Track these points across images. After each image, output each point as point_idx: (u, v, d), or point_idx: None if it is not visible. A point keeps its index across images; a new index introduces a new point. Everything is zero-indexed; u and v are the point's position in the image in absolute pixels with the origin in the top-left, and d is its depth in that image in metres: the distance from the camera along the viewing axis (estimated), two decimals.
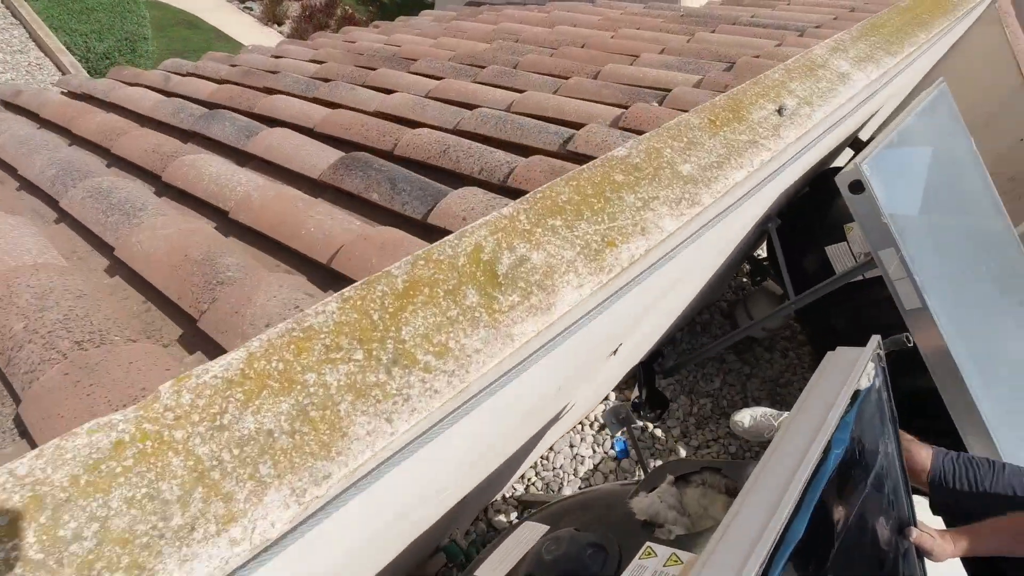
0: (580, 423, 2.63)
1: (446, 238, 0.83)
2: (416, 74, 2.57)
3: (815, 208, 2.42)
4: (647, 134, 1.16)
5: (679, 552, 0.98)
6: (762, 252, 3.49)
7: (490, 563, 1.20)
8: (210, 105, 2.33)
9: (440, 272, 0.78)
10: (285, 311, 0.94)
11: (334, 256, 1.19)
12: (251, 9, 13.01)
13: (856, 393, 1.12)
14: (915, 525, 1.31)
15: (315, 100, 2.31)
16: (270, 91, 2.45)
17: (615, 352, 1.68)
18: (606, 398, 2.74)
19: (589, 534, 1.11)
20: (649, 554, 1.00)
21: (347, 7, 13.29)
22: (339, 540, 0.72)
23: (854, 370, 1.12)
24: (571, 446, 2.50)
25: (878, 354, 1.19)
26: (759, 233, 2.57)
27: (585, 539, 1.09)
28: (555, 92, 2.16)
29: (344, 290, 0.72)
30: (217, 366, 0.61)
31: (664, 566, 0.96)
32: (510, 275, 0.81)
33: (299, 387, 0.62)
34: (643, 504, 1.15)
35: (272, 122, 2.09)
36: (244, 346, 0.63)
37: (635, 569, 0.99)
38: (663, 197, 1.02)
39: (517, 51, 2.81)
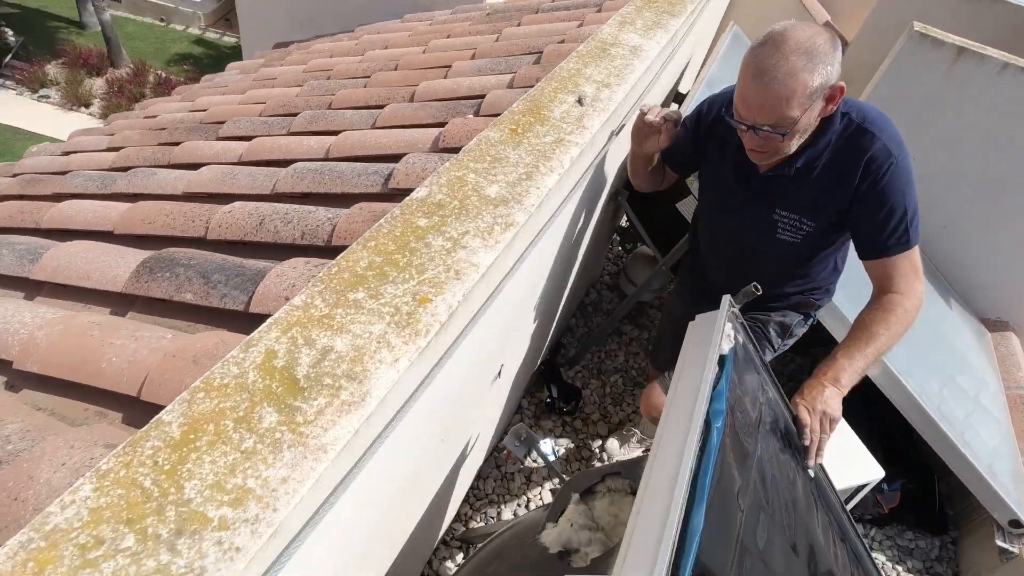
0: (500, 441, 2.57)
1: (230, 354, 0.72)
2: (225, 139, 2.38)
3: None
4: (448, 163, 1.10)
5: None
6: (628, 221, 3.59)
7: None
8: None
9: (225, 399, 0.67)
10: (77, 480, 0.79)
11: (141, 387, 1.04)
12: (48, 97, 11.80)
13: (721, 359, 1.13)
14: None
15: (113, 196, 2.06)
16: (59, 197, 2.16)
17: (499, 375, 1.62)
18: (519, 409, 2.70)
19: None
20: None
21: (160, 71, 12.41)
22: None
23: (712, 339, 1.13)
24: (497, 467, 2.44)
25: (733, 312, 1.21)
26: (614, 208, 2.62)
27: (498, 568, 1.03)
28: (373, 126, 2.06)
29: (100, 463, 0.60)
30: None
31: None
32: (312, 375, 0.72)
33: None
34: (552, 536, 1.10)
35: (65, 234, 1.83)
36: None
37: None
38: (473, 230, 0.97)
39: (329, 88, 2.68)
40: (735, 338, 1.18)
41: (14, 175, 2.67)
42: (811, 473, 1.35)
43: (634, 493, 1.19)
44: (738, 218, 1.62)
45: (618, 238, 3.65)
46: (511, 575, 1.09)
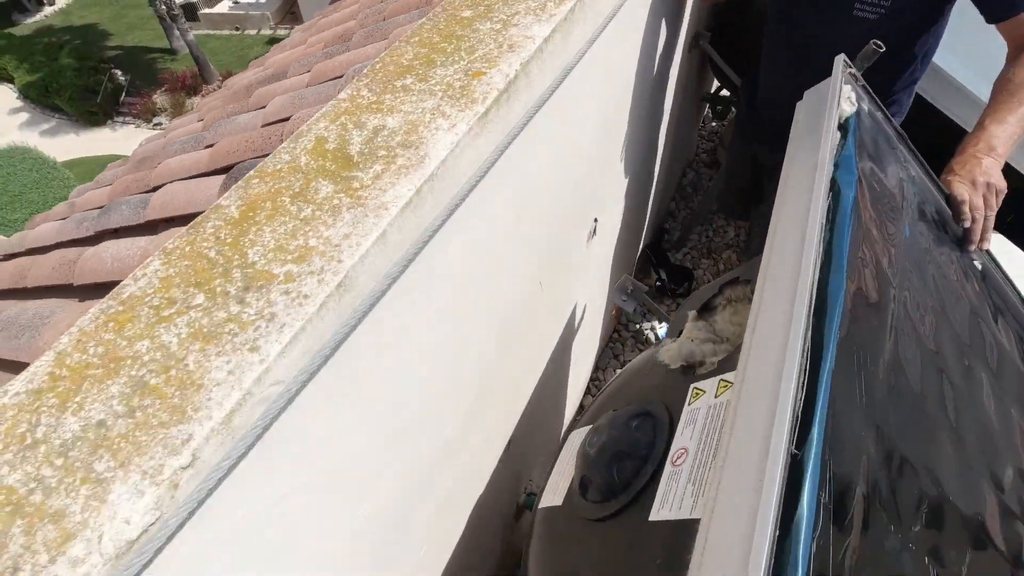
0: (616, 332, 2.47)
1: (280, 146, 0.69)
2: (293, 76, 2.42)
3: (735, 6, 2.19)
4: None
5: (726, 376, 0.82)
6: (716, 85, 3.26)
7: (550, 487, 1.06)
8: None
9: (280, 181, 0.63)
10: None
11: None
12: (161, 124, 12.96)
13: (844, 124, 0.94)
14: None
15: (203, 148, 2.17)
16: (157, 165, 2.32)
17: (594, 233, 1.51)
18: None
19: (629, 408, 0.96)
20: (698, 395, 0.85)
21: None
22: (252, 507, 0.59)
23: (829, 100, 0.94)
24: (615, 356, 2.35)
25: (850, 75, 1.00)
26: (699, 61, 2.36)
27: (625, 414, 0.94)
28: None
29: (165, 244, 0.58)
30: (19, 382, 0.48)
31: (716, 397, 0.81)
32: (366, 150, 0.66)
33: (129, 361, 0.48)
34: (672, 351, 0.99)
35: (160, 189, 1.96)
36: (51, 348, 0.50)
37: (689, 416, 0.84)
38: (523, 10, 0.85)
39: (381, 8, 2.62)
40: (858, 103, 0.97)
41: (125, 164, 2.91)
42: (978, 264, 1.13)
43: None
44: (801, 19, 1.38)
45: (710, 113, 3.33)
46: (632, 400, 1.00)
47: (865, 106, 1.01)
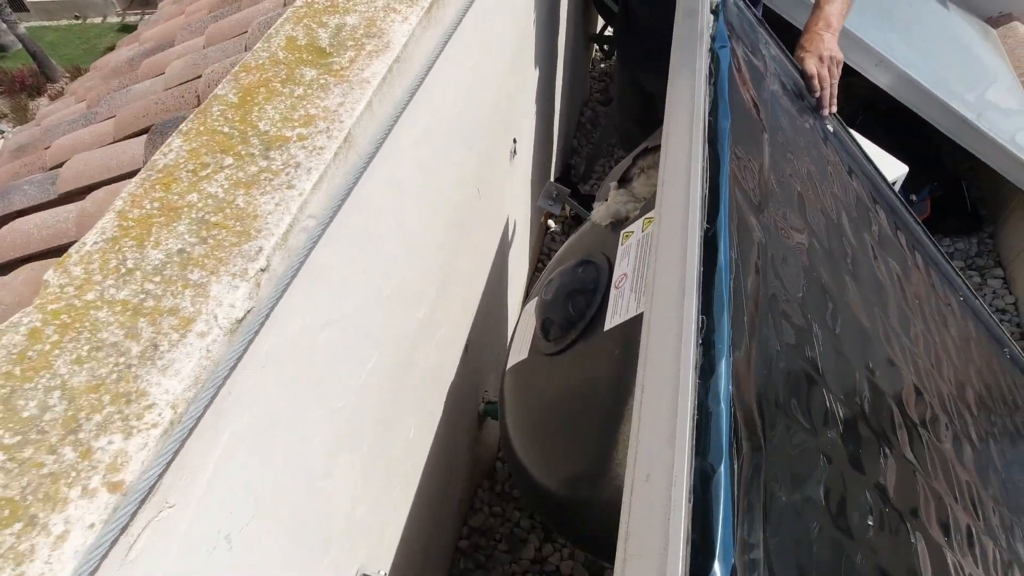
0: (540, 260, 2.67)
1: (255, 47, 0.77)
2: (182, 43, 2.35)
3: None
4: None
5: (648, 215, 1.01)
6: (601, 25, 3.48)
7: (514, 351, 1.23)
8: None
9: (266, 72, 0.73)
10: None
11: None
12: (2, 132, 11.54)
13: (715, 10, 1.13)
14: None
15: (100, 121, 2.09)
16: (50, 146, 2.19)
17: (515, 153, 1.67)
18: (547, 228, 2.78)
19: (573, 260, 1.14)
20: (628, 236, 1.03)
21: None
22: (326, 316, 0.71)
23: None
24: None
25: None
26: (583, 1, 2.54)
27: (571, 265, 1.13)
28: None
29: (180, 126, 0.67)
30: (91, 236, 0.56)
31: (643, 231, 1.00)
32: (335, 42, 0.76)
33: (186, 208, 0.58)
34: (602, 211, 1.18)
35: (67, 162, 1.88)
36: (108, 211, 0.58)
37: (622, 252, 1.03)
38: None
39: None
40: None
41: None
42: (830, 127, 1.39)
43: None
44: None
45: (599, 54, 3.56)
46: (575, 267, 1.17)
47: None
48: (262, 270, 0.54)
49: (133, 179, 0.60)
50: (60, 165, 1.96)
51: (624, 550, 0.46)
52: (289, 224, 0.57)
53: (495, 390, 2.06)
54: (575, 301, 1.03)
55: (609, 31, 3.19)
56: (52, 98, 11.68)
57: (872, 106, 2.79)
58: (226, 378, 0.49)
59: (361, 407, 0.85)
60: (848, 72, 2.27)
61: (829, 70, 1.31)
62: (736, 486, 0.53)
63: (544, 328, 1.09)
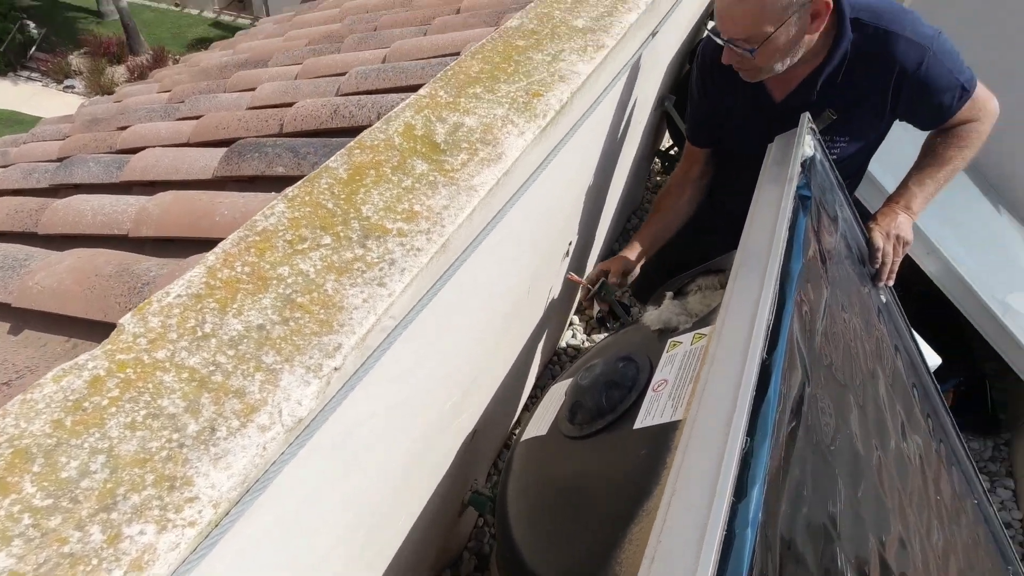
0: (555, 355, 2.64)
1: (373, 126, 0.79)
2: (277, 66, 2.45)
3: None
4: (531, 4, 1.14)
5: (701, 330, 1.01)
6: (667, 143, 3.60)
7: (533, 423, 1.20)
8: (62, 160, 2.12)
9: (379, 154, 0.74)
10: None
11: None
12: (73, 87, 12.02)
13: (804, 163, 1.16)
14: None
15: (179, 120, 2.15)
16: (124, 128, 2.25)
17: (567, 254, 1.68)
18: (570, 323, 2.77)
19: (616, 353, 1.13)
20: (675, 345, 1.03)
21: (179, 56, 12.52)
22: (374, 407, 0.68)
23: (796, 142, 1.17)
24: (553, 377, 2.51)
25: (811, 128, 1.23)
26: (659, 117, 2.64)
27: (613, 357, 1.12)
28: (424, 35, 2.11)
29: (285, 191, 0.67)
30: (177, 286, 0.55)
31: (692, 345, 0.99)
32: (450, 140, 0.78)
33: (275, 281, 0.57)
34: (653, 316, 1.18)
35: (138, 152, 1.92)
36: (200, 263, 0.57)
37: (666, 360, 1.02)
38: (568, 48, 1.01)
39: (371, 19, 2.72)
40: (815, 150, 1.21)
41: (71, 123, 2.77)
42: (883, 298, 1.40)
43: (724, 287, 1.25)
44: (765, 147, 1.46)
45: (658, 165, 3.66)
46: (618, 360, 1.15)
47: (819, 155, 1.25)
48: (336, 369, 0.52)
49: (230, 237, 0.60)
50: (130, 151, 2.00)
51: None
52: (372, 325, 0.56)
53: (483, 480, 1.99)
54: (610, 393, 1.02)
55: (675, 150, 3.30)
56: (131, 70, 12.22)
57: (911, 288, 2.82)
58: (273, 479, 0.47)
59: (372, 498, 0.81)
60: None
61: (895, 248, 1.33)
62: None
63: (572, 410, 1.08)
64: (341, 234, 0.63)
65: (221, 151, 1.59)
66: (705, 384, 0.73)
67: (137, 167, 1.66)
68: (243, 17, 13.59)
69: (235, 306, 0.54)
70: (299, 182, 0.68)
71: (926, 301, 2.70)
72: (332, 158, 0.72)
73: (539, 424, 1.19)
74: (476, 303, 0.91)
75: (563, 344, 2.67)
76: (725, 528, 0.55)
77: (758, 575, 0.57)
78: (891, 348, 1.41)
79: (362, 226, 0.64)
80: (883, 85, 1.29)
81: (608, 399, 1.04)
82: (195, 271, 0.56)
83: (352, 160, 0.72)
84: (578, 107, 0.99)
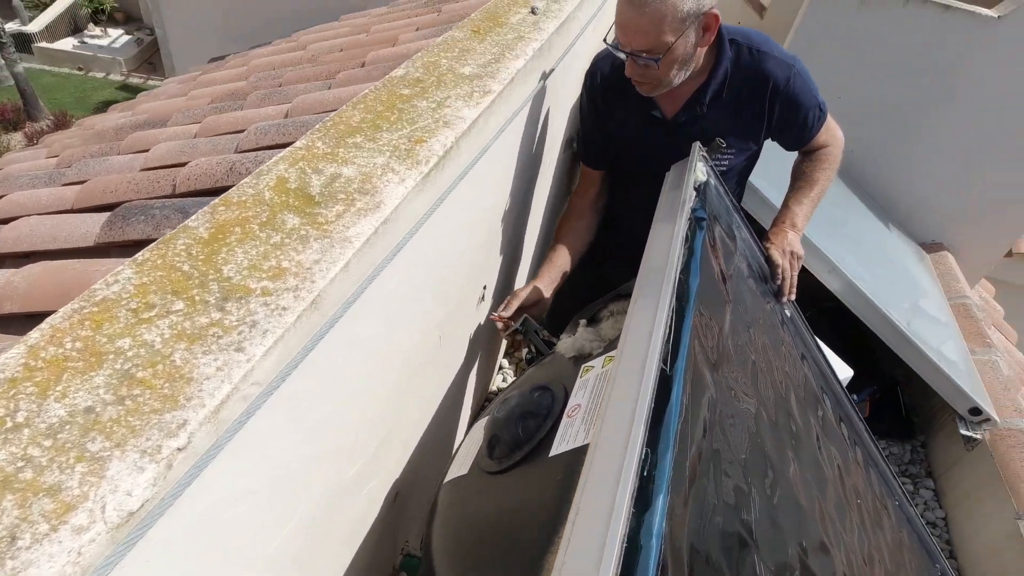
0: (488, 400, 2.58)
1: (242, 181, 0.75)
2: (176, 126, 2.35)
3: None
4: (418, 53, 1.15)
5: (611, 352, 1.00)
6: None
7: (455, 465, 1.16)
8: None
9: (247, 210, 0.70)
10: None
11: None
12: None
13: (698, 187, 1.21)
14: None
15: (64, 185, 2.01)
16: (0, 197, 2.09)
17: (482, 299, 1.66)
18: (500, 367, 2.73)
19: (531, 384, 1.12)
20: (587, 370, 1.02)
21: (83, 120, 11.94)
22: (247, 486, 0.61)
23: (689, 167, 1.21)
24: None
25: (703, 156, 1.28)
26: (571, 156, 2.71)
27: (528, 388, 1.11)
28: (329, 88, 2.09)
29: (135, 256, 0.61)
30: None
31: (603, 368, 0.98)
32: (326, 192, 0.75)
33: (112, 356, 0.51)
34: (568, 344, 1.18)
35: (11, 222, 1.78)
36: (20, 341, 0.50)
37: (580, 384, 1.01)
38: (454, 96, 1.02)
39: (276, 74, 2.69)
40: (708, 176, 1.26)
41: None
42: (787, 312, 1.45)
43: None
44: (659, 162, 1.51)
45: None
46: (532, 391, 1.13)
47: (712, 181, 1.30)
48: (179, 449, 0.46)
49: (61, 310, 0.54)
50: (6, 220, 1.84)
51: None
52: (227, 395, 0.50)
53: (417, 540, 1.88)
54: (526, 423, 1.00)
55: None
56: (28, 136, 11.56)
57: (821, 303, 2.98)
58: None
59: None
60: (804, 272, 2.43)
61: (791, 263, 1.41)
62: None
63: (491, 445, 1.05)
64: (197, 298, 0.58)
65: (105, 215, 1.49)
66: (607, 401, 0.72)
67: (9, 237, 1.53)
68: (154, 79, 13.22)
69: (59, 388, 0.48)
70: (151, 244, 0.63)
71: (835, 317, 2.85)
72: (192, 217, 0.67)
73: (461, 464, 1.16)
74: (368, 360, 0.86)
75: (493, 388, 2.62)
76: (625, 540, 0.55)
77: None
78: (799, 359, 1.47)
79: (222, 288, 0.59)
80: (759, 100, 1.43)
81: (524, 429, 1.03)
82: (11, 352, 0.49)
83: (216, 218, 0.67)
84: (467, 152, 0.98)
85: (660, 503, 0.62)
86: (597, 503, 0.58)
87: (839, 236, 2.77)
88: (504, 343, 2.67)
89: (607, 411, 0.71)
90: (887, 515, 1.60)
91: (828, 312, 2.97)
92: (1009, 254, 3.97)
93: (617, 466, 0.61)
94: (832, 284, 2.52)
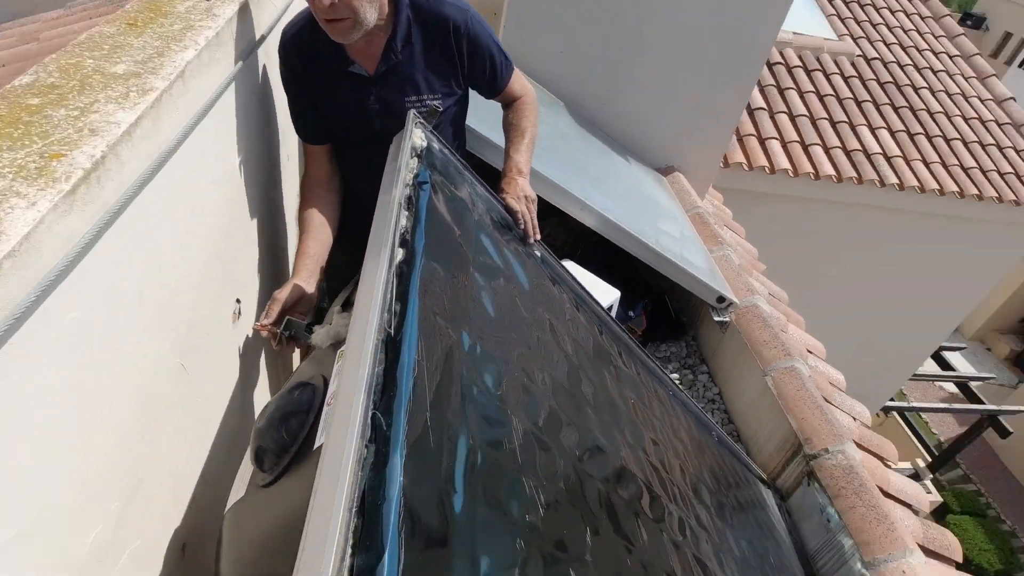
0: None
1: None
2: None
3: None
4: (53, 55, 0.98)
5: None
6: None
7: (233, 493, 1.09)
8: None
9: None
10: None
11: None
12: None
13: (420, 153, 1.23)
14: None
15: None
16: None
17: (239, 314, 1.53)
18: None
19: (289, 384, 1.08)
20: (343, 354, 1.00)
21: None
22: None
23: (406, 136, 1.22)
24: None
25: (419, 122, 1.29)
26: None
27: (286, 389, 1.08)
28: None
29: None
30: None
31: None
32: None
33: None
34: (322, 334, 1.15)
35: None
36: None
37: (337, 371, 1.02)
38: (104, 99, 0.89)
39: None
40: (428, 141, 1.28)
41: None
42: (537, 252, 1.57)
43: None
44: (376, 122, 1.57)
45: None
46: (291, 390, 1.09)
47: (435, 145, 1.33)
48: None
49: None
50: None
51: None
52: None
53: None
54: (288, 425, 0.97)
55: None
56: None
57: (587, 239, 3.30)
58: None
59: None
60: (563, 213, 2.64)
61: (527, 207, 1.51)
62: None
63: (258, 458, 0.99)
64: None
65: None
66: (340, 376, 0.73)
67: None
68: None
69: None
70: None
71: (602, 249, 3.17)
72: None
73: (239, 489, 1.09)
74: (60, 413, 0.74)
75: None
76: (360, 498, 0.57)
77: (419, 531, 0.61)
78: (552, 286, 1.60)
79: None
80: (446, 41, 1.52)
81: (288, 431, 1.00)
82: None
83: None
84: (136, 160, 0.87)
85: (398, 459, 0.64)
86: (331, 472, 0.59)
87: (586, 177, 3.06)
88: (298, 349, 2.52)
89: (340, 386, 0.72)
90: (660, 404, 1.84)
91: (595, 246, 3.30)
92: (726, 164, 4.76)
93: (349, 427, 0.63)
94: (588, 220, 2.78)
